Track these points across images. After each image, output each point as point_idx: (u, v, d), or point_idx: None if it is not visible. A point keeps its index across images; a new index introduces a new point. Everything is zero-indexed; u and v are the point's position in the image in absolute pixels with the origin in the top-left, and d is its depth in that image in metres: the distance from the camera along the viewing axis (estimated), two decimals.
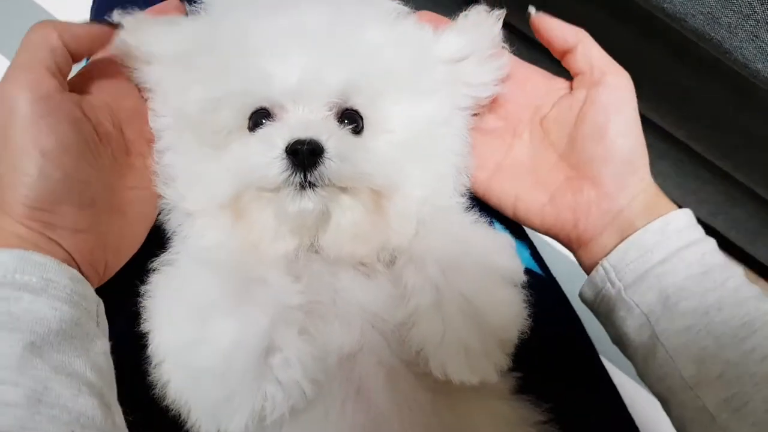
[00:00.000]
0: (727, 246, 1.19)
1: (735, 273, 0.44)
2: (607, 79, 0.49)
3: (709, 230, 1.14)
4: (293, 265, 0.45)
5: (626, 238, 0.46)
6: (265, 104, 0.46)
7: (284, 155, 0.42)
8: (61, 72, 0.42)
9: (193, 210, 0.47)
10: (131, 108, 0.48)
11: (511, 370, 0.45)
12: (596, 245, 0.49)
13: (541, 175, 0.52)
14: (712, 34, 0.71)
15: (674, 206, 0.47)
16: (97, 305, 0.41)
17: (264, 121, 0.46)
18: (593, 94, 0.49)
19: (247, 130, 0.47)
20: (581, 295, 0.50)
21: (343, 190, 0.45)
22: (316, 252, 0.46)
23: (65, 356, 0.37)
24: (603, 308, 0.48)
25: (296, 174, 0.43)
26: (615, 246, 0.47)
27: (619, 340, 0.48)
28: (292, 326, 0.40)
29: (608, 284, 0.47)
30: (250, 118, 0.47)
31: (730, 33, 0.69)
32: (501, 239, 0.47)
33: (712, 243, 0.46)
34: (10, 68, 0.41)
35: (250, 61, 0.46)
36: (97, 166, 0.43)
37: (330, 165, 0.43)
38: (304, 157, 0.42)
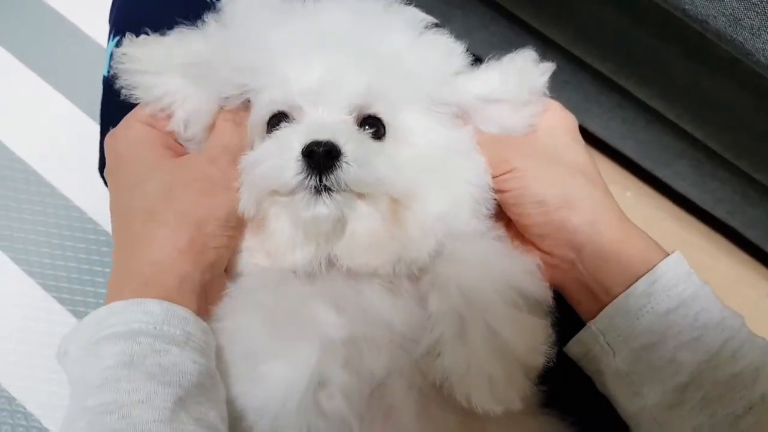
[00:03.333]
0: (744, 244, 1.18)
1: (732, 330, 0.41)
2: None
3: (727, 229, 1.14)
4: (318, 285, 0.45)
5: (598, 299, 0.44)
6: (283, 108, 0.46)
7: (300, 157, 0.42)
8: None
9: None
10: None
11: (538, 384, 0.45)
12: (570, 299, 0.48)
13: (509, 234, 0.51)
14: (735, 36, 0.70)
15: (652, 249, 0.44)
16: (215, 352, 0.42)
17: (281, 123, 0.46)
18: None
19: (266, 134, 0.47)
20: (568, 351, 0.47)
21: (361, 196, 0.44)
22: (333, 264, 0.45)
23: (202, 408, 0.38)
24: (592, 367, 0.46)
25: (311, 177, 0.42)
26: (592, 305, 0.45)
27: (609, 397, 0.46)
28: (336, 359, 0.40)
29: (598, 346, 0.44)
30: (269, 122, 0.47)
31: (753, 35, 0.68)
32: (526, 263, 0.46)
33: (706, 295, 0.43)
34: (227, 148, 0.47)
35: (271, 65, 0.46)
36: None
37: (347, 169, 0.42)
38: (320, 159, 0.41)
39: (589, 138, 1.21)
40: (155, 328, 0.38)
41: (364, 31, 0.47)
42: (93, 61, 1.06)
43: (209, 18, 0.49)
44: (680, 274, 0.43)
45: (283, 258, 0.45)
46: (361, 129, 0.46)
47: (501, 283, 0.43)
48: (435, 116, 0.48)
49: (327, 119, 0.45)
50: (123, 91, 0.48)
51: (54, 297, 0.92)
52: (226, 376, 0.42)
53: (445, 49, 0.50)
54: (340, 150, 0.42)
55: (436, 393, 0.43)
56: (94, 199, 1.00)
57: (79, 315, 0.90)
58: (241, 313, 0.43)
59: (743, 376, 0.40)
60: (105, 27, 1.19)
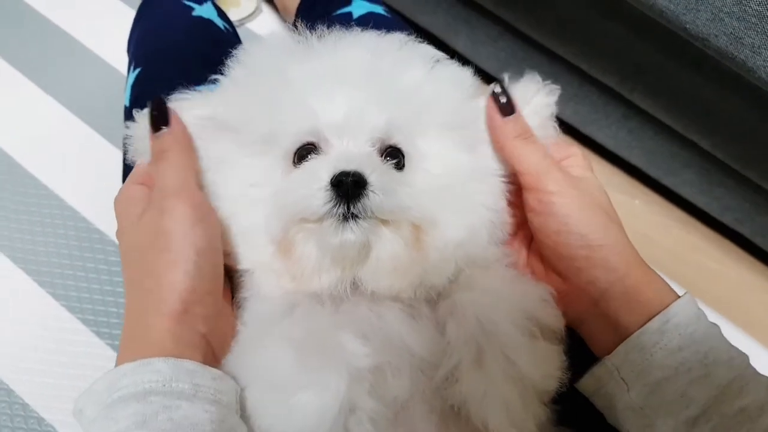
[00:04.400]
0: (753, 250, 1.19)
1: (739, 368, 0.43)
2: (536, 185, 0.48)
3: (735, 235, 1.15)
4: (341, 311, 0.47)
5: (618, 336, 0.46)
6: (311, 139, 0.48)
7: (329, 187, 0.44)
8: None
9: (250, 267, 0.49)
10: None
11: (551, 404, 0.46)
12: (587, 334, 0.49)
13: (531, 258, 0.52)
14: (736, 54, 0.71)
15: (667, 292, 0.46)
16: (235, 393, 0.44)
17: (309, 155, 0.48)
18: (528, 199, 0.49)
19: (292, 165, 0.49)
20: (581, 386, 0.49)
21: (384, 223, 0.46)
22: (356, 287, 0.47)
23: None
24: (604, 402, 0.47)
25: (340, 205, 0.44)
26: (609, 341, 0.46)
27: (618, 429, 0.48)
28: (363, 387, 0.42)
29: (612, 381, 0.46)
30: (296, 153, 0.49)
31: (754, 53, 0.70)
32: (540, 291, 0.47)
33: (715, 335, 0.45)
34: (164, 187, 0.46)
35: (296, 99, 0.48)
36: (222, 255, 0.48)
37: (373, 197, 0.44)
38: (349, 188, 0.43)
39: (597, 148, 1.22)
40: (164, 385, 0.40)
41: (383, 67, 0.49)
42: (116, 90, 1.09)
43: (229, 66, 0.52)
44: (691, 315, 0.45)
45: (310, 281, 0.47)
46: (384, 160, 0.48)
47: (517, 312, 0.45)
48: (451, 143, 0.51)
49: (353, 151, 0.47)
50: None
51: (78, 318, 0.94)
52: (257, 407, 0.44)
53: (456, 78, 0.52)
54: (366, 180, 0.44)
55: (455, 416, 0.45)
56: (113, 221, 1.02)
57: (102, 336, 0.93)
58: (268, 345, 0.45)
59: (749, 411, 0.42)
60: (110, 44, 1.20)
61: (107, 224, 1.03)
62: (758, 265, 1.19)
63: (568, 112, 1.19)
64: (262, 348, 0.45)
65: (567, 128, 1.29)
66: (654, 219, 1.23)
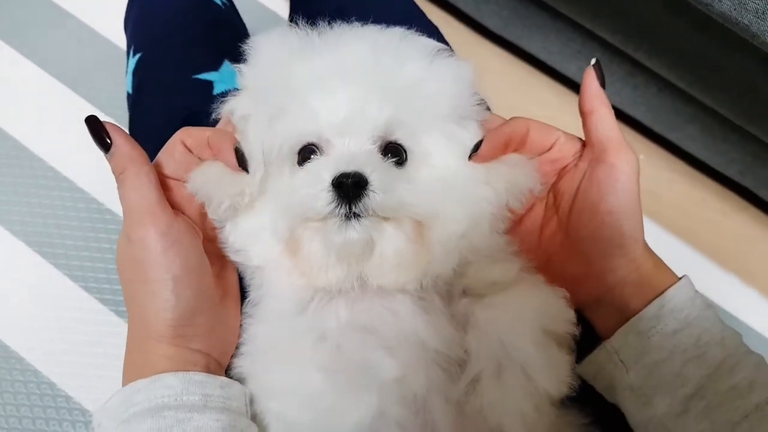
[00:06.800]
0: (756, 201, 1.20)
1: (731, 348, 0.45)
2: (607, 158, 0.47)
3: (739, 188, 1.16)
4: (356, 311, 0.48)
5: (624, 320, 0.47)
6: (312, 140, 0.49)
7: (330, 188, 0.45)
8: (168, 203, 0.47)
9: (260, 264, 0.51)
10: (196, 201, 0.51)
11: None
12: (593, 316, 0.51)
13: (544, 238, 0.53)
14: (740, 19, 0.71)
15: (672, 278, 0.48)
16: (244, 396, 0.47)
17: (312, 155, 0.49)
18: (592, 170, 0.49)
19: (296, 165, 0.50)
20: (582, 368, 0.50)
21: (386, 219, 0.47)
22: (364, 282, 0.48)
23: None
24: (604, 383, 0.49)
25: (342, 206, 0.45)
26: (613, 324, 0.48)
27: (618, 406, 0.50)
28: (392, 397, 0.44)
29: (611, 364, 0.48)
30: (299, 153, 0.49)
31: (758, 18, 0.69)
32: (554, 298, 0.48)
33: (708, 318, 0.47)
34: (130, 212, 0.45)
35: (297, 99, 0.48)
36: (208, 270, 0.49)
37: (373, 197, 0.45)
38: (349, 189, 0.44)
39: None
40: (176, 399, 0.43)
41: (383, 63, 0.49)
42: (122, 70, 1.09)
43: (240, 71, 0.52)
44: (686, 299, 0.47)
45: (317, 278, 0.48)
46: (385, 157, 0.49)
47: (536, 329, 0.46)
48: (453, 137, 0.51)
49: (354, 150, 0.48)
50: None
51: (96, 298, 0.97)
52: (286, 422, 0.47)
53: (456, 71, 0.52)
54: (366, 180, 0.45)
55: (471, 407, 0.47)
56: None
57: (121, 314, 0.96)
58: (294, 364, 0.46)
59: (739, 388, 0.44)
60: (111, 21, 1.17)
61: (118, 205, 1.02)
62: (761, 217, 1.21)
63: (572, 69, 1.18)
64: (289, 366, 0.47)
65: (571, 84, 1.28)
66: (659, 174, 1.24)
